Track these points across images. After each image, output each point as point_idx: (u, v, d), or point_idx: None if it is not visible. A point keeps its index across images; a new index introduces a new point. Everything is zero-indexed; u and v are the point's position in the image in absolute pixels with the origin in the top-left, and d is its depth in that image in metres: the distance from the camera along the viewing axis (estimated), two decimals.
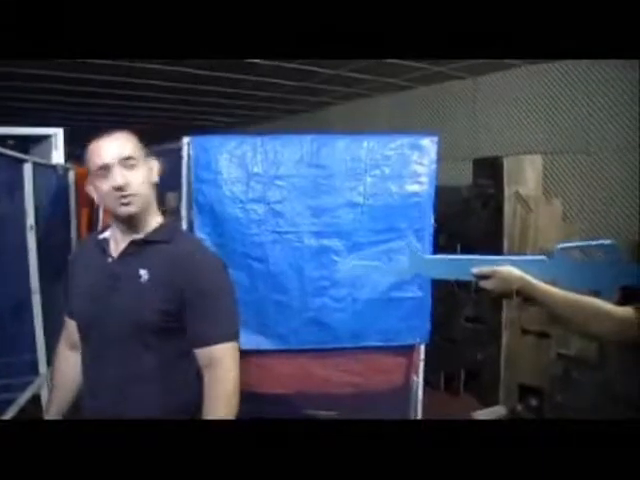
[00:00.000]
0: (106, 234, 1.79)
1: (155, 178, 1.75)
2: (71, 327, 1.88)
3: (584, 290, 1.60)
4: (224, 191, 3.46)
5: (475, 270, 1.66)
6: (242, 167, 3.47)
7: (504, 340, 4.61)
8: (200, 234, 3.46)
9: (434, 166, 3.54)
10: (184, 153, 3.53)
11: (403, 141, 3.53)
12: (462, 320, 4.78)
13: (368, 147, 3.51)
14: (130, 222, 1.70)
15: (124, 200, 1.64)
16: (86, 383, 1.79)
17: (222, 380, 1.64)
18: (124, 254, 1.71)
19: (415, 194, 3.52)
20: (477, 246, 4.42)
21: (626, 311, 1.51)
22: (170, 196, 4.51)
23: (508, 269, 1.62)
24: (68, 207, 4.81)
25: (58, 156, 4.82)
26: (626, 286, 1.58)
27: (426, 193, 3.53)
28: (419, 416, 3.66)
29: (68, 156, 4.95)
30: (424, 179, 3.53)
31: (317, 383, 3.56)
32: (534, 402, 4.55)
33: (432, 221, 3.54)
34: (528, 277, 1.60)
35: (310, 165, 3.48)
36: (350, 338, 3.50)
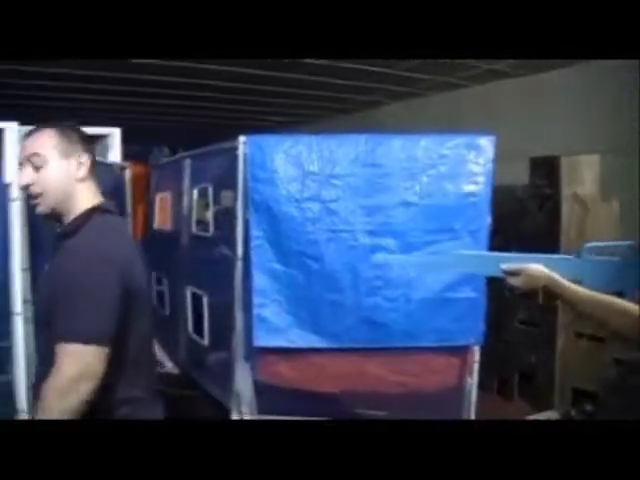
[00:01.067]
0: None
1: (82, 173, 1.65)
2: None
3: (608, 289, 1.61)
4: (280, 190, 3.49)
5: (504, 266, 1.67)
6: (297, 166, 3.50)
7: (558, 343, 4.53)
8: (256, 232, 3.51)
9: (491, 166, 3.50)
10: (240, 152, 3.57)
11: (460, 140, 3.51)
12: (516, 322, 4.70)
13: (424, 146, 3.50)
14: (49, 219, 1.69)
15: (32, 201, 1.63)
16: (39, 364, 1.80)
17: (49, 383, 1.48)
18: (54, 248, 1.72)
19: (471, 194, 3.50)
20: (533, 247, 4.32)
21: None
22: (225, 194, 4.57)
23: (537, 267, 1.63)
24: (124, 204, 4.91)
25: (114, 155, 4.92)
26: None
27: (482, 193, 3.50)
28: (472, 418, 3.63)
29: (125, 155, 5.04)
30: (480, 179, 3.50)
31: (369, 382, 3.56)
32: (588, 407, 4.45)
33: (488, 222, 3.50)
34: (555, 275, 1.62)
35: (365, 164, 3.49)
36: (403, 338, 3.48)
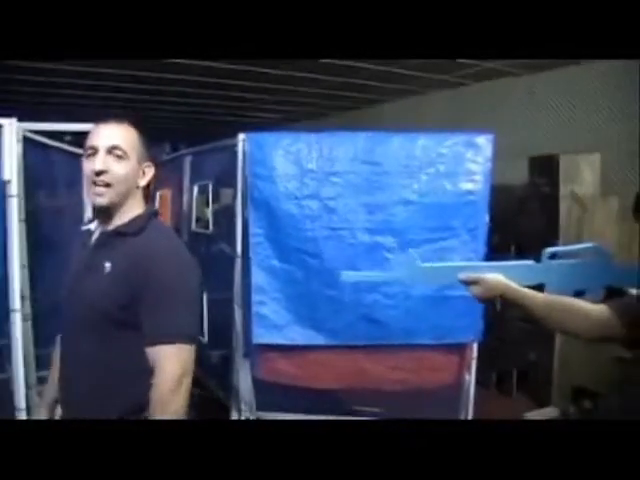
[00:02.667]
0: (91, 225, 1.77)
1: (143, 182, 1.71)
2: None
3: (571, 292, 1.64)
4: (279, 187, 3.50)
5: (462, 276, 1.69)
6: (297, 164, 3.51)
7: (557, 340, 4.54)
8: (255, 229, 3.53)
9: (489, 164, 3.52)
10: (239, 149, 3.58)
11: (458, 139, 3.52)
12: (516, 320, 4.72)
13: (423, 145, 3.51)
14: (103, 213, 1.68)
15: (98, 189, 1.61)
16: (60, 378, 1.78)
17: (158, 384, 1.53)
18: (96, 245, 1.70)
19: (470, 192, 3.51)
20: (531, 246, 4.35)
21: (601, 309, 1.56)
22: (224, 192, 4.59)
23: (493, 276, 1.66)
24: None
25: None
26: (610, 286, 1.63)
27: (481, 192, 3.51)
28: (470, 415, 3.65)
29: None
30: (479, 177, 3.51)
31: (368, 379, 3.58)
32: (588, 405, 4.47)
33: (487, 220, 3.51)
34: (511, 283, 1.64)
35: (364, 162, 3.50)
36: (402, 335, 3.50)
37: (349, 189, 3.50)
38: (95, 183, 1.61)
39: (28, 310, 3.03)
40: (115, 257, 1.62)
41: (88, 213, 4.15)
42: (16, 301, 2.93)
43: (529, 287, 1.67)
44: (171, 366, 1.53)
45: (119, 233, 1.66)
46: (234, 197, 3.77)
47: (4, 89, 6.39)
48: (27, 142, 3.07)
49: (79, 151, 4.17)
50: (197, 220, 4.65)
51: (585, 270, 1.65)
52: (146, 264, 1.58)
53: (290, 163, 3.51)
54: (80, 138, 4.99)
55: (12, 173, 2.92)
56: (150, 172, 1.73)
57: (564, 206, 4.53)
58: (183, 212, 4.78)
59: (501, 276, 1.67)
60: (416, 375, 3.57)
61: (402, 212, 3.49)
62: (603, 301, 1.62)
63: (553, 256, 1.70)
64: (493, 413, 4.07)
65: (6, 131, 2.92)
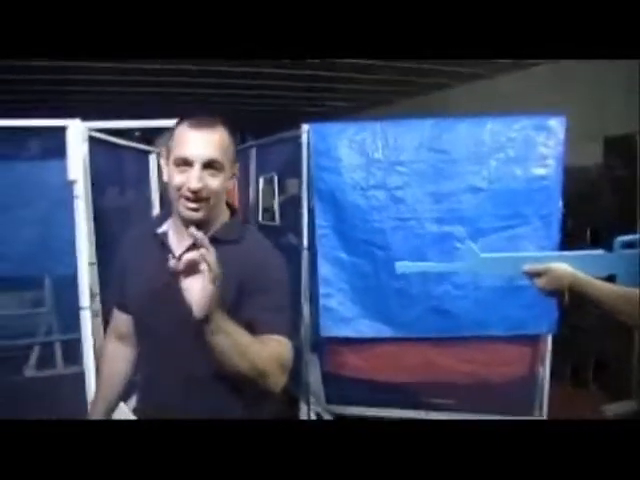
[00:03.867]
0: (164, 227, 1.67)
1: (232, 184, 1.64)
2: (121, 321, 1.82)
3: None
4: (344, 178, 3.47)
5: (527, 267, 1.63)
6: (362, 153, 3.47)
7: (637, 330, 4.35)
8: (321, 221, 3.51)
9: (561, 148, 3.38)
10: (303, 140, 3.56)
11: (528, 122, 3.41)
12: (591, 308, 4.54)
13: (491, 129, 3.41)
14: (195, 224, 1.54)
15: (192, 205, 1.51)
16: (147, 379, 1.74)
17: (268, 353, 1.49)
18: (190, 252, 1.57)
19: (541, 178, 3.39)
20: (608, 231, 4.18)
21: None
22: (290, 183, 4.58)
23: (561, 266, 1.59)
24: None
25: None
26: None
27: (553, 176, 3.38)
28: (545, 410, 3.53)
29: None
30: (551, 162, 3.38)
31: (438, 372, 3.52)
32: None
33: (560, 206, 3.38)
34: (579, 274, 1.57)
35: (431, 150, 3.43)
36: (473, 327, 3.42)
37: (416, 178, 3.43)
38: (188, 199, 1.52)
39: (98, 306, 3.09)
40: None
41: (156, 209, 4.24)
42: (86, 298, 3.00)
43: (599, 279, 1.59)
44: (286, 350, 1.54)
45: (215, 240, 1.53)
46: (300, 187, 3.75)
47: (60, 90, 6.57)
48: (92, 141, 3.12)
49: (146, 147, 4.26)
50: (264, 212, 4.65)
51: None
52: (255, 268, 1.58)
53: (355, 153, 3.47)
54: (147, 133, 5.05)
55: (78, 173, 2.97)
56: (236, 171, 1.66)
57: None
58: (250, 204, 4.80)
59: (567, 266, 1.59)
60: (487, 368, 3.48)
61: (471, 200, 3.40)
62: None
63: (626, 245, 1.61)
64: (568, 407, 3.93)
65: (71, 132, 2.96)
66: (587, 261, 1.62)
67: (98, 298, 3.09)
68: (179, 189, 1.51)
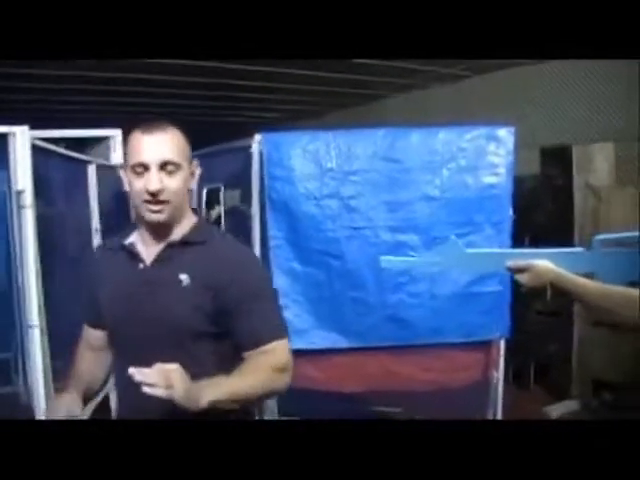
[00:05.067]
0: (131, 238, 1.67)
1: (193, 183, 1.65)
2: (91, 337, 1.80)
3: (622, 281, 1.60)
4: (298, 188, 3.43)
5: (510, 263, 1.66)
6: (315, 163, 3.44)
7: (576, 333, 4.50)
8: (274, 232, 3.45)
9: (511, 157, 3.46)
10: (254, 150, 3.50)
11: (479, 132, 3.46)
12: (534, 313, 4.67)
13: (443, 139, 3.45)
14: (159, 228, 1.60)
15: (155, 207, 1.52)
16: (124, 392, 1.71)
17: (267, 365, 1.52)
18: (159, 259, 1.60)
19: (492, 186, 3.45)
20: (546, 238, 4.30)
21: None
22: (235, 194, 4.50)
23: (543, 263, 1.63)
24: (128, 208, 4.81)
25: (117, 157, 4.82)
26: None
27: (504, 185, 3.46)
28: (499, 413, 3.59)
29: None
30: (501, 170, 3.46)
31: (396, 381, 3.51)
32: (608, 397, 4.44)
33: (510, 213, 3.46)
34: (562, 270, 1.61)
35: (384, 159, 3.43)
36: (429, 334, 3.44)
37: (369, 187, 3.43)
38: (149, 202, 1.52)
39: (44, 322, 2.91)
40: (191, 268, 1.57)
41: (95, 221, 4.08)
42: (34, 314, 2.82)
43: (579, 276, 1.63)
44: (282, 354, 1.56)
45: (187, 243, 1.60)
46: (247, 200, 3.68)
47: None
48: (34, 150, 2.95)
49: (85, 157, 4.10)
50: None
51: (635, 259, 1.59)
52: (232, 270, 1.56)
53: (308, 162, 3.43)
54: (80, 146, 4.86)
55: (26, 183, 2.81)
56: (197, 170, 1.66)
57: (579, 197, 4.48)
58: None
59: (549, 263, 1.63)
60: (445, 375, 3.51)
61: (424, 209, 3.43)
62: None
63: (604, 244, 1.65)
64: (512, 408, 4.00)
65: (18, 139, 2.80)
66: (568, 258, 1.65)
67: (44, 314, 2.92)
68: (140, 195, 1.52)
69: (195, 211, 1.70)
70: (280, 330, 1.60)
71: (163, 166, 1.51)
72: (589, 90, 5.02)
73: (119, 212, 4.53)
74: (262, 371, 1.51)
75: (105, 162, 4.46)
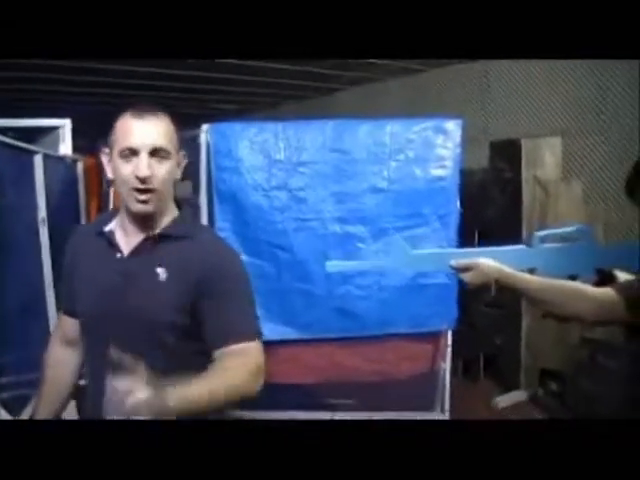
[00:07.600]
0: (111, 225, 1.62)
1: (180, 174, 1.59)
2: (67, 325, 1.76)
3: (563, 275, 1.64)
4: (246, 179, 3.40)
5: (454, 262, 1.67)
6: (263, 154, 3.42)
7: (524, 324, 4.57)
8: (221, 223, 3.41)
9: (459, 150, 3.49)
10: (202, 141, 3.45)
11: (427, 124, 3.48)
12: (482, 305, 4.72)
13: (391, 131, 3.45)
14: (144, 219, 1.55)
15: (142, 197, 1.47)
16: (94, 384, 1.63)
17: (239, 368, 1.44)
18: (138, 251, 1.56)
19: (440, 179, 3.47)
20: (495, 232, 4.37)
21: (605, 292, 1.56)
22: (184, 185, 4.44)
23: (486, 261, 1.65)
24: (77, 199, 4.72)
25: (66, 148, 4.71)
26: (601, 269, 1.64)
27: (451, 177, 3.48)
28: (446, 403, 3.62)
29: (74, 148, 4.83)
30: (449, 163, 3.48)
31: (344, 372, 3.52)
32: (555, 387, 4.52)
33: (458, 206, 3.48)
34: (505, 267, 1.64)
35: (332, 150, 3.43)
36: (377, 326, 3.46)
37: (318, 178, 3.42)
38: (137, 189, 1.46)
39: None
40: (169, 263, 1.52)
41: (42, 212, 3.98)
42: None
43: (522, 272, 1.65)
44: (254, 356, 1.48)
45: (167, 236, 1.55)
46: (195, 190, 3.63)
47: None
48: None
49: (31, 147, 3.99)
50: None
51: (575, 253, 1.64)
52: (209, 267, 1.52)
53: (256, 154, 3.41)
54: (29, 135, 4.74)
55: None
56: (184, 160, 1.60)
57: (527, 191, 4.54)
58: None
59: (492, 261, 1.65)
60: (392, 366, 3.53)
61: (372, 200, 3.43)
62: (597, 284, 1.61)
63: (543, 239, 1.68)
64: (462, 400, 4.05)
65: None
66: (510, 255, 1.67)
67: None
68: (127, 180, 1.47)
69: (178, 204, 1.64)
70: (252, 331, 1.53)
71: (153, 152, 1.46)
72: (539, 86, 5.09)
73: (67, 202, 4.44)
74: (231, 373, 1.44)
75: (52, 153, 4.35)
